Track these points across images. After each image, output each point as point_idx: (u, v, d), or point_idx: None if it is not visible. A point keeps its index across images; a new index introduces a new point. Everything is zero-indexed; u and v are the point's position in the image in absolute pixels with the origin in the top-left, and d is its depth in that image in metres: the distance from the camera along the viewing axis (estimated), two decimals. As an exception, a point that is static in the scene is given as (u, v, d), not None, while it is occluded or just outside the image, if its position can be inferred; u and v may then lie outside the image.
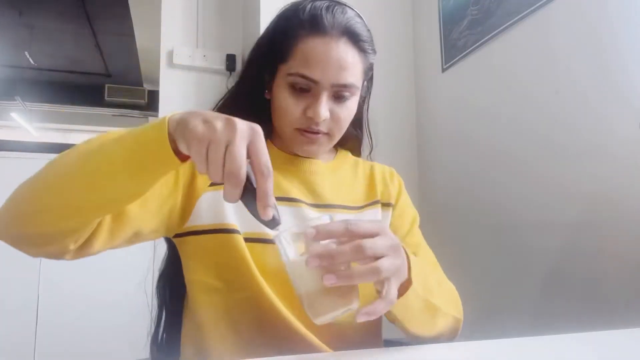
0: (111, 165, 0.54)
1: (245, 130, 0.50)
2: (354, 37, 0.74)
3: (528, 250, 1.59)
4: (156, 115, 2.81)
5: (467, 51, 1.95)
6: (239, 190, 0.49)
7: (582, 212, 1.38)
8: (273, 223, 0.52)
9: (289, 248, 0.54)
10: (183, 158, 0.53)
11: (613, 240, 1.28)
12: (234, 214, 0.74)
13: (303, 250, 0.54)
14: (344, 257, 0.51)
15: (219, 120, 0.50)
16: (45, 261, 1.94)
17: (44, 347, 1.90)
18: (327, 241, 0.53)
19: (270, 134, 0.85)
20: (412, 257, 0.66)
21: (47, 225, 0.57)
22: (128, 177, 0.54)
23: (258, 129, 0.51)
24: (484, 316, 1.79)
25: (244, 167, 0.48)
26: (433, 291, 0.70)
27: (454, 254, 2.02)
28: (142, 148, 0.53)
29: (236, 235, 0.73)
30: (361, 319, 0.53)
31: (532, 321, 1.54)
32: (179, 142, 0.52)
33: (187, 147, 0.50)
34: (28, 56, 5.33)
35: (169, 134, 0.52)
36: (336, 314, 0.53)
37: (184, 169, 0.73)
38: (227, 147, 0.48)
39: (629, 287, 1.22)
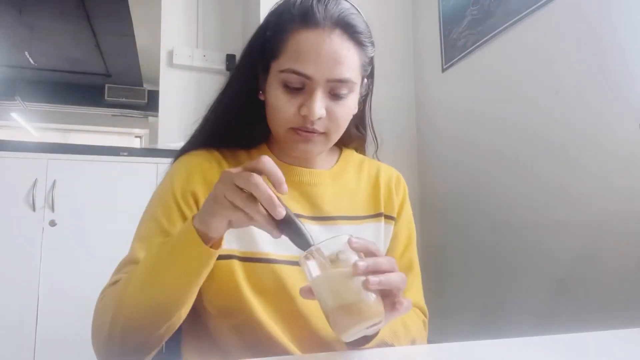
0: (175, 281, 0.61)
1: (241, 168, 0.56)
2: (348, 29, 0.69)
3: (528, 249, 1.59)
4: (156, 116, 2.81)
5: (467, 51, 1.95)
6: (274, 200, 0.53)
7: (582, 212, 1.38)
8: (306, 244, 0.55)
9: (318, 264, 0.55)
10: (215, 246, 0.60)
11: (613, 240, 1.28)
12: (231, 238, 0.73)
13: (319, 270, 0.55)
14: (383, 267, 0.55)
15: (218, 182, 0.56)
16: (45, 261, 1.94)
17: (44, 347, 1.90)
18: (353, 256, 0.56)
19: (267, 138, 0.83)
20: None
21: (158, 337, 0.64)
22: (195, 282, 0.62)
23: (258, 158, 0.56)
24: (485, 316, 1.79)
25: (262, 182, 0.53)
26: (400, 336, 0.71)
27: (454, 254, 2.02)
28: (182, 254, 0.60)
29: (229, 262, 0.71)
30: (403, 311, 0.57)
31: (532, 321, 1.54)
32: (208, 223, 0.57)
33: (213, 214, 0.57)
34: (28, 56, 5.33)
35: (197, 230, 0.59)
36: (369, 323, 0.54)
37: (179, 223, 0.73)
38: (237, 185, 0.54)
39: (629, 287, 1.22)
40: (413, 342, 0.75)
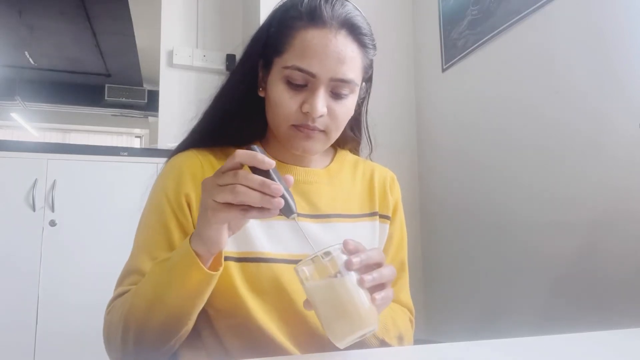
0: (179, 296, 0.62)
1: (219, 170, 0.56)
2: (353, 30, 0.71)
3: (527, 250, 1.59)
4: (156, 116, 2.82)
5: (467, 51, 1.95)
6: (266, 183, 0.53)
7: (582, 212, 1.38)
8: (289, 211, 0.56)
9: (313, 272, 0.56)
10: (213, 267, 0.61)
11: (613, 240, 1.28)
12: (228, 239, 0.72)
13: (317, 277, 0.56)
14: (387, 278, 0.58)
15: (202, 192, 0.57)
16: (45, 261, 1.94)
17: (44, 347, 1.90)
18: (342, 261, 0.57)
19: (264, 136, 0.83)
20: None
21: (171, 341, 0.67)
22: (199, 302, 0.64)
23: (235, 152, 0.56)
24: (484, 316, 1.79)
25: (247, 172, 0.53)
26: (389, 331, 0.74)
27: (453, 254, 2.02)
28: (182, 277, 0.60)
29: (224, 263, 0.70)
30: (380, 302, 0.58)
31: (532, 321, 1.54)
32: (207, 237, 0.58)
33: (209, 224, 0.57)
34: (28, 56, 5.33)
35: (196, 252, 0.59)
36: (363, 332, 0.54)
37: (178, 229, 0.73)
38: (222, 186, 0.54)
39: (629, 287, 1.22)
40: (400, 338, 0.76)
